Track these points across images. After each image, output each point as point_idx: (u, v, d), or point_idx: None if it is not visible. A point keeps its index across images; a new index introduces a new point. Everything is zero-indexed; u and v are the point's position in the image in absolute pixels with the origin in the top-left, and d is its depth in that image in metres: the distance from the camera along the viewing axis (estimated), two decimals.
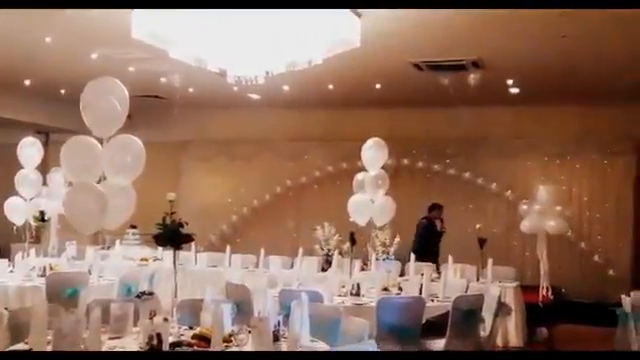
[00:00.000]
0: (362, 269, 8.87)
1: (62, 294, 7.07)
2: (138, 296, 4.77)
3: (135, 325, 4.55)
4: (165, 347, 3.75)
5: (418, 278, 7.44)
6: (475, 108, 11.97)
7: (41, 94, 12.11)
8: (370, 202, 8.93)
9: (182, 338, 4.26)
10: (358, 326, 4.75)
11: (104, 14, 7.10)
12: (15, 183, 9.76)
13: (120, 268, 8.95)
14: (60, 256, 9.41)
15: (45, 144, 11.71)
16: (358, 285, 7.09)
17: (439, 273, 8.70)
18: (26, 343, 4.07)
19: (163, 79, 10.58)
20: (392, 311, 6.22)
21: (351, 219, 9.13)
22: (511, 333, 9.28)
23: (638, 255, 11.83)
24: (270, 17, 5.59)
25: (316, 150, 13.64)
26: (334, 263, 8.75)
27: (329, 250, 9.75)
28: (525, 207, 10.32)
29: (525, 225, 10.29)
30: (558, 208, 10.10)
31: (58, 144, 6.29)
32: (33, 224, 10.04)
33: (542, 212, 10.03)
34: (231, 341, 4.14)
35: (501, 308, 7.17)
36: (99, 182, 5.75)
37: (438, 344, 6.34)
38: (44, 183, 10.15)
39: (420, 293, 6.94)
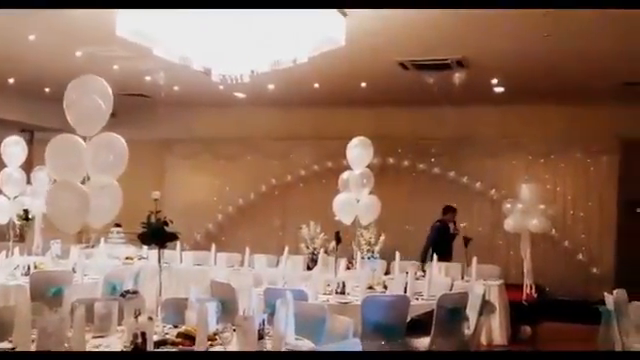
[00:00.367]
0: (347, 268, 8.89)
1: (46, 293, 7.02)
2: (122, 295, 4.76)
3: (120, 324, 4.54)
4: (150, 346, 3.74)
5: (403, 277, 7.46)
6: (460, 107, 12.03)
7: (25, 92, 12.03)
8: (355, 201, 8.95)
9: (167, 337, 4.26)
10: (343, 324, 4.76)
11: (88, 12, 7.07)
12: None
13: (105, 267, 8.92)
14: (44, 255, 9.37)
15: (29, 142, 11.66)
16: (343, 284, 7.11)
17: (424, 272, 8.73)
18: (10, 341, 4.06)
19: (148, 77, 10.54)
20: (377, 309, 6.24)
21: (336, 218, 9.14)
22: (495, 331, 9.34)
23: (621, 253, 11.92)
24: (255, 15, 5.58)
25: (302, 149, 13.65)
26: (319, 262, 8.77)
27: (314, 249, 9.78)
28: (509, 206, 10.38)
29: (508, 224, 10.35)
30: (541, 207, 10.17)
31: (43, 143, 6.26)
32: (17, 223, 9.98)
33: (525, 211, 10.09)
34: (216, 340, 4.13)
35: (485, 306, 7.19)
36: (83, 182, 5.73)
37: (423, 342, 6.36)
38: (28, 182, 10.09)
39: (405, 291, 6.96)
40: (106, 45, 8.50)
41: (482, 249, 10.86)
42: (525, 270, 10.40)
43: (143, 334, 3.73)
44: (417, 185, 13.00)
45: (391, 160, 12.99)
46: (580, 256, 12.06)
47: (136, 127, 13.07)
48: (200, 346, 3.80)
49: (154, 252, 7.69)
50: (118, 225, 11.55)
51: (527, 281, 10.29)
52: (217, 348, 4.04)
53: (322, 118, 13.02)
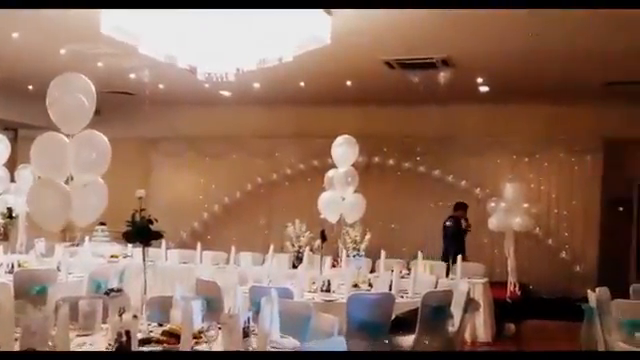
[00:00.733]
0: (333, 266, 8.91)
1: (30, 291, 6.99)
2: (107, 293, 4.75)
3: (104, 322, 4.53)
4: (134, 344, 3.74)
5: (388, 275, 7.48)
6: (445, 106, 12.09)
7: (9, 90, 11.95)
8: (340, 199, 8.97)
9: (151, 335, 4.26)
10: (328, 322, 4.77)
11: (72, 9, 7.03)
12: None
13: (89, 265, 8.88)
14: (28, 253, 9.31)
15: (14, 140, 11.58)
16: (328, 282, 7.13)
17: (409, 270, 8.77)
18: None
19: (132, 75, 10.51)
20: (362, 307, 6.26)
21: (322, 216, 9.16)
22: (479, 329, 9.39)
23: (604, 252, 12.02)
24: (240, 14, 5.59)
25: (287, 147, 13.66)
26: (305, 260, 8.77)
27: (300, 247, 9.79)
28: (493, 205, 10.43)
29: (492, 222, 10.41)
30: (525, 205, 10.23)
31: (27, 140, 6.25)
32: (1, 221, 9.92)
33: (508, 210, 10.16)
34: (201, 338, 4.13)
35: (470, 304, 7.23)
36: (67, 181, 5.72)
37: (407, 340, 6.38)
38: (12, 180, 10.03)
39: (390, 289, 6.98)
40: (91, 42, 8.46)
41: (467, 247, 10.93)
42: (509, 268, 10.46)
43: (127, 332, 3.72)
44: (402, 184, 13.04)
45: (376, 159, 13.02)
46: (564, 254, 12.14)
47: (121, 125, 13.04)
48: (185, 344, 3.80)
49: (139, 250, 7.67)
50: (103, 224, 11.50)
51: (511, 279, 10.36)
52: (202, 346, 4.04)
53: (308, 117, 13.02)
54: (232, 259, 10.04)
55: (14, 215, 10.03)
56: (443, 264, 9.75)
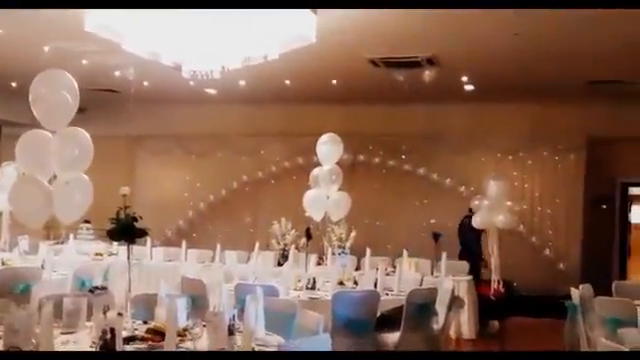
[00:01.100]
0: (318, 264, 8.93)
1: (14, 289, 6.94)
2: (91, 291, 4.73)
3: (88, 320, 4.52)
4: (119, 342, 3.73)
5: (373, 272, 7.50)
6: (430, 105, 12.14)
7: None
8: (325, 197, 8.98)
9: (136, 333, 4.25)
10: (313, 320, 4.78)
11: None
12: None
13: (74, 263, 8.83)
14: (12, 251, 9.25)
15: None
16: (314, 279, 7.14)
17: (394, 267, 8.79)
18: None
19: (117, 72, 10.46)
20: (347, 305, 6.27)
21: (307, 214, 9.17)
22: (464, 326, 9.44)
23: (587, 249, 12.11)
24: (225, 11, 5.58)
25: (272, 145, 13.65)
26: (290, 258, 8.78)
27: (285, 245, 9.79)
28: (477, 202, 10.48)
29: (476, 220, 10.44)
30: (508, 203, 10.28)
31: (11, 138, 6.22)
32: None
33: (492, 207, 10.20)
34: (186, 335, 4.14)
35: (454, 301, 7.27)
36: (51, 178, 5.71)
37: (392, 337, 6.41)
38: None
39: (375, 287, 7.00)
40: (75, 40, 8.42)
41: (452, 245, 10.96)
42: (492, 266, 10.51)
43: (112, 330, 3.71)
44: (388, 182, 13.07)
45: (362, 157, 13.04)
46: (547, 252, 12.22)
47: (106, 123, 13.00)
48: (169, 342, 3.80)
49: (124, 248, 7.64)
50: (87, 221, 11.44)
51: (494, 276, 10.40)
52: (187, 344, 4.04)
53: (293, 115, 13.03)
54: (217, 257, 10.03)
55: None
56: (428, 261, 9.78)
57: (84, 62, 9.54)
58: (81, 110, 5.96)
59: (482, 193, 10.86)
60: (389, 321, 6.51)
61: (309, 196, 9.09)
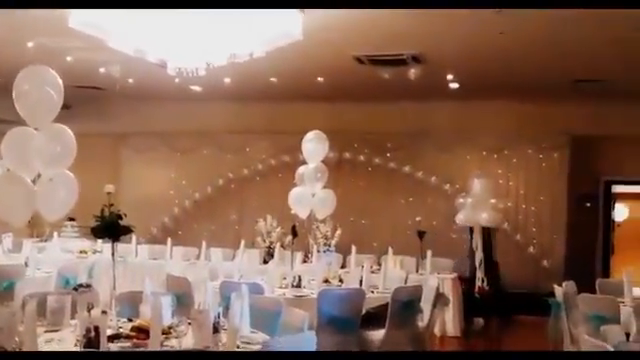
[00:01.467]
0: (304, 261, 8.94)
1: None
2: (75, 288, 4.72)
3: (73, 318, 4.50)
4: (103, 340, 3.72)
5: (359, 270, 7.52)
6: (416, 102, 12.17)
7: None
8: (310, 195, 8.99)
9: (121, 331, 4.24)
10: (298, 317, 4.79)
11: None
12: None
13: (58, 261, 8.81)
14: None
15: None
16: (299, 277, 7.14)
17: (379, 265, 8.82)
18: None
19: (102, 69, 10.41)
20: (333, 302, 6.28)
21: (292, 212, 9.18)
22: (448, 323, 9.49)
23: (571, 247, 12.19)
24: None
25: (258, 143, 13.63)
26: (276, 255, 8.79)
27: (271, 242, 9.81)
28: (461, 200, 10.54)
29: (460, 218, 10.52)
30: (492, 201, 10.35)
31: None
32: None
33: (476, 205, 10.26)
34: (170, 333, 4.13)
35: (439, 299, 7.31)
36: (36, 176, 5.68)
37: (377, 335, 6.43)
38: None
39: (360, 285, 7.02)
40: (59, 36, 8.37)
41: (437, 243, 10.98)
42: (477, 263, 10.59)
43: (96, 328, 3.71)
44: (373, 179, 13.09)
45: (347, 154, 13.05)
46: (531, 249, 12.28)
47: (91, 120, 12.94)
48: (154, 340, 3.80)
49: (108, 246, 7.63)
50: (72, 219, 11.39)
51: (479, 274, 10.48)
52: (172, 342, 4.04)
53: (279, 112, 13.01)
54: (203, 255, 10.03)
55: None
56: (413, 259, 9.82)
57: (69, 59, 9.48)
58: (66, 107, 5.93)
59: (467, 191, 10.94)
60: (374, 319, 6.53)
61: (294, 194, 9.10)
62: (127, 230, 4.90)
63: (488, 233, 11.07)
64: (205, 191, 13.78)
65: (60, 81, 5.90)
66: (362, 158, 13.14)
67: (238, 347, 4.00)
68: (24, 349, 3.64)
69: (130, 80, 11.21)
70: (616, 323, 5.58)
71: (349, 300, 6.37)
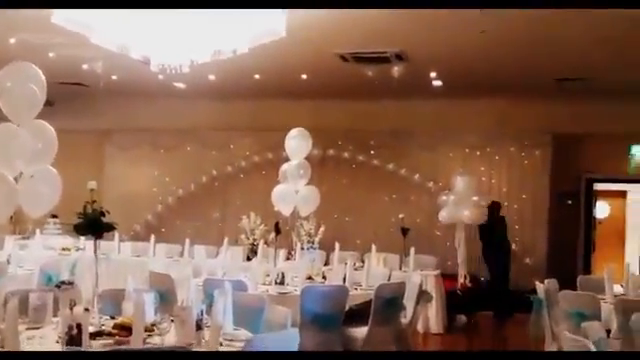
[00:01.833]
0: (287, 258, 8.94)
1: None
2: (57, 286, 4.69)
3: (55, 315, 4.48)
4: (85, 337, 3.71)
5: (342, 267, 7.54)
6: (399, 100, 12.20)
7: None
8: (294, 192, 8.99)
9: (103, 328, 4.23)
10: (281, 314, 4.80)
11: None
12: None
13: (40, 258, 8.75)
14: None
15: None
16: (283, 274, 7.14)
17: (363, 262, 8.85)
18: None
19: (85, 66, 10.35)
20: (316, 299, 6.29)
21: (276, 209, 9.18)
22: (431, 320, 9.53)
23: (553, 244, 12.28)
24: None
25: (242, 140, 13.63)
26: (259, 252, 8.78)
27: (254, 240, 9.80)
28: (444, 198, 10.59)
29: (443, 215, 10.56)
30: (474, 198, 10.40)
31: None
32: None
33: (458, 202, 10.31)
34: (153, 330, 4.13)
35: (422, 296, 7.34)
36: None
37: (361, 332, 6.45)
38: None
39: (344, 282, 7.04)
40: (42, 32, 8.31)
41: (420, 240, 11.04)
42: (459, 260, 10.64)
43: (79, 325, 3.69)
44: (357, 177, 13.12)
45: (331, 152, 13.07)
46: (514, 247, 12.35)
47: (74, 117, 12.88)
48: (137, 337, 3.79)
49: (91, 243, 7.60)
50: (55, 216, 11.32)
51: (461, 271, 10.53)
52: (155, 339, 4.03)
53: (263, 109, 13.00)
54: (186, 252, 10.01)
55: None
56: (396, 256, 9.84)
57: (51, 55, 9.42)
58: (49, 104, 5.90)
59: (450, 188, 10.98)
60: (357, 315, 6.55)
61: (278, 191, 9.10)
62: (110, 227, 4.89)
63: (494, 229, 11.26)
64: (188, 188, 13.75)
65: (43, 77, 5.87)
66: (346, 155, 13.17)
67: (221, 344, 4.00)
68: (6, 347, 3.62)
69: (114, 77, 11.16)
70: (597, 320, 5.61)
71: (332, 297, 6.38)
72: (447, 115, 12.52)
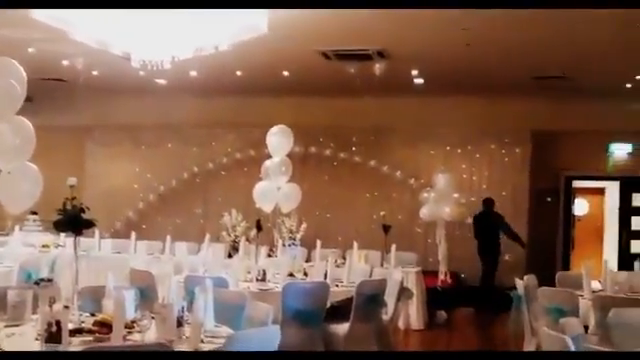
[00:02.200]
0: (268, 255, 8.93)
1: None
2: (37, 283, 4.67)
3: (34, 312, 4.46)
4: (65, 334, 3.70)
5: (323, 264, 7.55)
6: (381, 98, 12.23)
7: None
8: (275, 189, 8.99)
9: (83, 325, 4.21)
10: (262, 311, 4.80)
11: None
12: None
13: (20, 255, 8.69)
14: None
15: None
16: (264, 271, 7.13)
17: (344, 259, 8.86)
18: None
19: (65, 61, 10.28)
20: (297, 296, 6.30)
21: (257, 206, 9.18)
22: (412, 316, 9.57)
23: (533, 241, 12.37)
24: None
25: (223, 137, 13.61)
26: (241, 249, 8.77)
27: (236, 236, 9.76)
28: (425, 195, 10.64)
29: (423, 212, 10.61)
30: (455, 195, 10.46)
31: None
32: None
33: (439, 199, 10.37)
34: (133, 327, 4.12)
35: (403, 292, 7.37)
36: None
37: (342, 328, 6.47)
38: None
39: (325, 278, 7.04)
40: (21, 27, 8.24)
41: (401, 237, 11.07)
42: (440, 257, 10.70)
43: (58, 322, 3.68)
44: (338, 174, 13.15)
45: (313, 149, 13.08)
46: None
47: (55, 113, 12.79)
48: (117, 334, 3.79)
49: (71, 240, 7.56)
50: (34, 213, 11.23)
51: (442, 268, 10.59)
52: (135, 336, 4.02)
53: (244, 106, 12.98)
54: (167, 249, 9.96)
55: None
56: (378, 253, 9.87)
57: (31, 50, 9.35)
58: (28, 99, 5.85)
59: (431, 186, 11.04)
60: (339, 312, 6.56)
61: (259, 188, 9.10)
62: (90, 224, 4.84)
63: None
64: (170, 185, 13.71)
65: (24, 73, 5.82)
66: (327, 152, 13.19)
67: (202, 341, 4.00)
68: None
69: (94, 72, 11.08)
70: (575, 316, 5.67)
71: (314, 294, 6.39)
72: (428, 113, 12.57)
